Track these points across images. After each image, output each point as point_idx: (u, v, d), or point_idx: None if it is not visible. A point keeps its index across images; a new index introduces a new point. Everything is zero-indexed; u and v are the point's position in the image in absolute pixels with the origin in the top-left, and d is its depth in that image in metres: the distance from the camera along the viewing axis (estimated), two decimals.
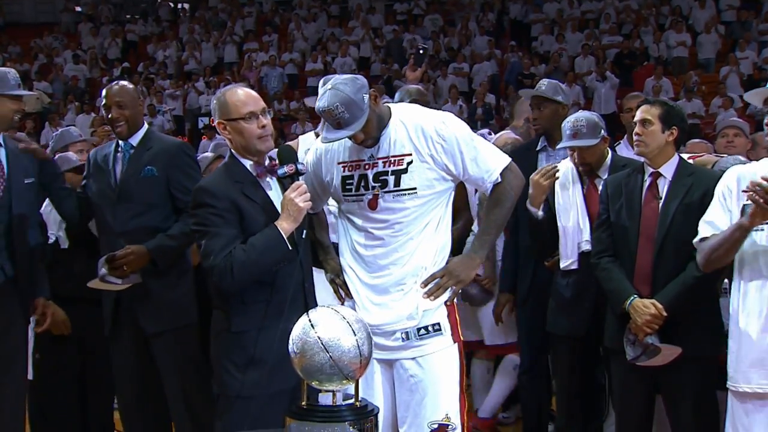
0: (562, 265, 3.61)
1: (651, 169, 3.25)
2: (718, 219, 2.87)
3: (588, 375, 3.71)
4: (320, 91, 2.78)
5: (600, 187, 3.52)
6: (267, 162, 2.83)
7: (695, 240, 2.93)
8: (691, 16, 16.19)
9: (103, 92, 3.61)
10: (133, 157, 3.56)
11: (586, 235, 3.53)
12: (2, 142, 3.47)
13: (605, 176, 3.55)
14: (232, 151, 2.85)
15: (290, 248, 2.71)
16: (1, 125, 3.44)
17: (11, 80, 3.43)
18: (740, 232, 2.73)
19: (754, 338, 2.74)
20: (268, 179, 2.84)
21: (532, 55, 16.06)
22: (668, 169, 3.23)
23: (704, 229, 2.90)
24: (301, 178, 2.78)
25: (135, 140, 3.59)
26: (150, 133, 3.64)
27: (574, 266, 3.58)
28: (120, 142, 3.60)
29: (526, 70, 15.14)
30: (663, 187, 3.22)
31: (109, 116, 3.56)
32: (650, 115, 3.19)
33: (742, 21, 15.79)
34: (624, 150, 4.48)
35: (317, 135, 3.83)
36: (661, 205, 3.20)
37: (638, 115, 3.24)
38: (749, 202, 2.67)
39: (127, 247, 3.41)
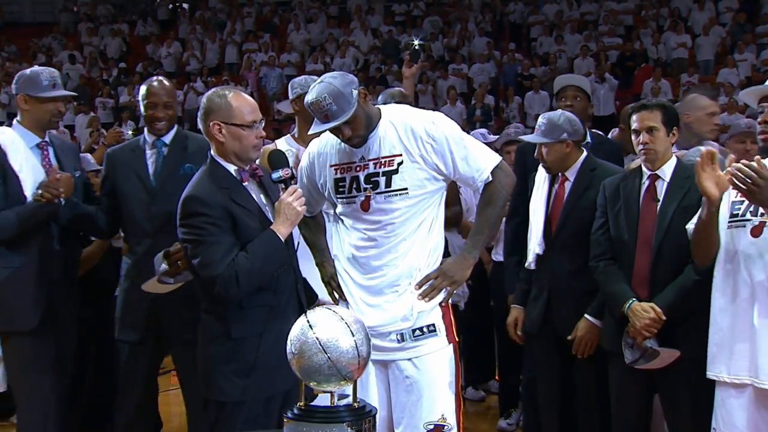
0: (527, 264, 3.68)
1: (649, 172, 3.25)
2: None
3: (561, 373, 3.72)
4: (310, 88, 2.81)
5: (567, 190, 3.56)
6: (248, 166, 2.82)
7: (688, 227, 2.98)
8: (690, 17, 16.22)
9: (144, 89, 3.57)
10: (168, 156, 3.54)
11: (539, 239, 3.58)
12: (49, 141, 3.54)
13: (572, 178, 3.57)
14: (213, 154, 2.82)
15: (288, 252, 2.71)
16: (37, 128, 3.49)
17: (43, 81, 3.46)
18: (706, 208, 2.77)
19: (731, 330, 2.77)
20: (250, 183, 2.83)
21: (532, 56, 16.07)
22: (666, 171, 3.23)
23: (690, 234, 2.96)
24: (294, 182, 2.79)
25: (168, 138, 3.57)
26: (180, 130, 3.63)
27: (532, 266, 3.64)
28: (150, 139, 3.57)
29: (526, 72, 15.16)
30: (661, 190, 3.22)
31: (153, 114, 3.53)
32: (655, 122, 3.18)
33: (741, 23, 15.81)
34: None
35: (293, 137, 3.84)
36: (659, 207, 3.20)
37: (639, 122, 3.21)
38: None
39: (177, 243, 3.27)
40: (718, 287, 2.84)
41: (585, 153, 3.62)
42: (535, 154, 3.60)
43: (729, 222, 2.82)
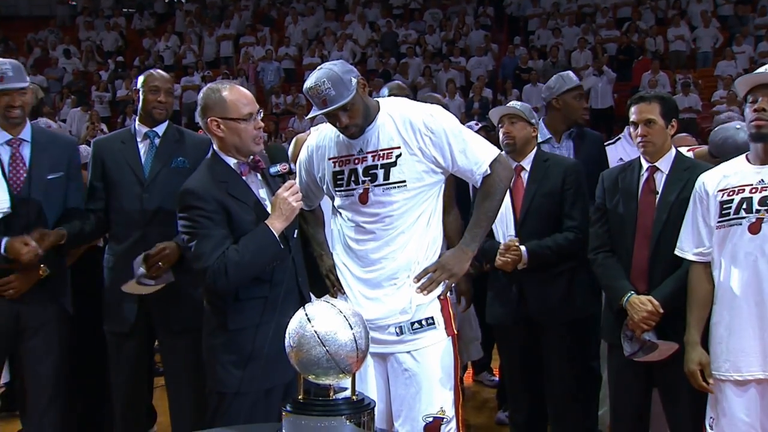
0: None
1: (648, 164, 3.24)
2: (688, 240, 2.95)
3: (532, 363, 3.78)
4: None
5: (525, 179, 3.68)
6: (250, 158, 2.82)
7: (677, 251, 3.00)
8: (688, 10, 16.21)
9: (143, 78, 3.59)
10: (161, 148, 3.54)
11: (511, 229, 3.63)
12: (30, 137, 3.45)
13: (528, 168, 3.69)
14: (215, 148, 2.82)
15: (282, 247, 2.71)
16: (2, 123, 3.41)
17: None
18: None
19: (732, 328, 2.76)
20: (251, 175, 2.83)
21: (530, 49, 16.05)
22: (665, 163, 3.22)
23: (681, 247, 2.98)
24: (293, 177, 2.79)
25: (160, 130, 3.58)
26: (172, 124, 3.63)
27: None
28: (143, 130, 3.57)
29: (524, 65, 15.14)
30: (660, 182, 3.21)
31: (155, 98, 3.54)
32: (653, 114, 3.18)
33: (739, 16, 15.80)
34: (624, 147, 4.56)
35: None
36: (657, 199, 3.19)
37: (637, 114, 3.20)
38: None
39: (158, 244, 3.32)
40: (719, 286, 2.83)
41: (537, 146, 3.79)
42: (504, 129, 3.70)
43: (719, 222, 2.82)
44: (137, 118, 3.64)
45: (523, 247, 3.53)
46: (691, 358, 2.87)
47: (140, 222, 3.45)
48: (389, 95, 3.80)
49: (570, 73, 4.46)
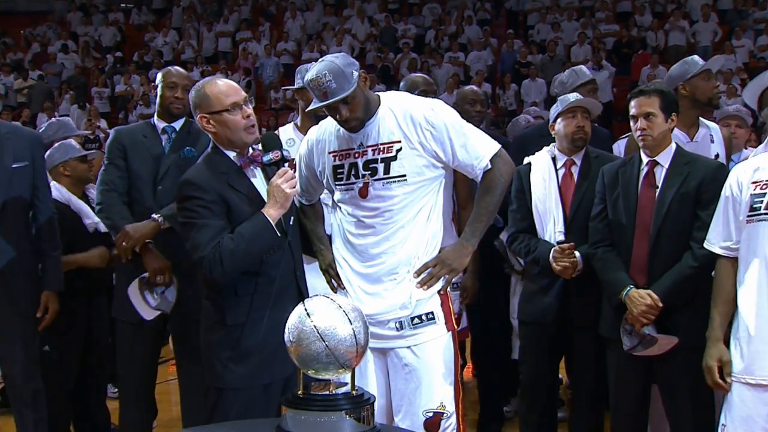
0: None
1: (648, 158, 3.24)
2: (716, 233, 2.85)
3: (556, 363, 3.76)
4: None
5: (576, 175, 3.56)
6: (250, 152, 2.81)
7: (705, 243, 2.90)
8: (687, 4, 16.19)
9: (162, 74, 3.69)
10: (175, 143, 3.62)
11: (560, 225, 3.54)
12: None
13: (579, 162, 3.59)
14: (215, 142, 2.82)
15: (278, 235, 2.70)
16: None
17: None
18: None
19: (752, 329, 2.68)
20: (252, 169, 2.82)
21: (529, 43, 16.04)
22: (665, 158, 3.21)
23: (709, 240, 2.88)
24: (286, 164, 2.77)
25: (177, 125, 3.67)
26: (189, 120, 3.68)
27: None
28: (161, 125, 3.65)
29: (523, 59, 15.13)
30: (660, 176, 3.20)
31: (173, 95, 3.63)
32: (652, 108, 3.17)
33: (738, 9, 15.79)
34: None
35: (296, 126, 3.86)
36: (657, 193, 3.19)
37: (637, 108, 3.19)
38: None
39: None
40: (744, 285, 2.74)
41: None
42: (578, 122, 3.56)
43: (749, 216, 2.70)
44: (155, 114, 3.72)
45: (577, 253, 3.41)
46: (710, 353, 2.77)
47: (151, 212, 3.50)
48: (419, 92, 3.75)
49: (583, 67, 4.36)
